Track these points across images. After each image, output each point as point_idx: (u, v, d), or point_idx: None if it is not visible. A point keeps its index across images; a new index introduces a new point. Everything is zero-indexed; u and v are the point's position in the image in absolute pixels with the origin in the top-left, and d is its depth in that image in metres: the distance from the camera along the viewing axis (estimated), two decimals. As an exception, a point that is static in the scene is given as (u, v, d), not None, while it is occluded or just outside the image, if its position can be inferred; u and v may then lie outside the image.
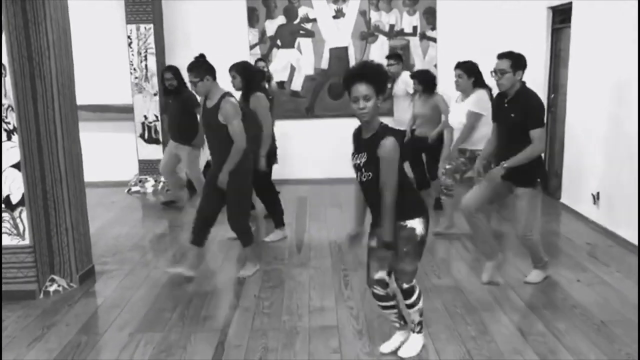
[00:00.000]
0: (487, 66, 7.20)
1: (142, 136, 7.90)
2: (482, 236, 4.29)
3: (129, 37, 7.66)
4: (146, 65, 7.71)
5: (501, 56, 4.08)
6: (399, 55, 7.05)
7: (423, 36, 8.05)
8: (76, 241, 4.47)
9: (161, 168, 6.71)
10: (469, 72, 5.23)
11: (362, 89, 2.87)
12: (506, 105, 4.09)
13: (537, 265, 4.38)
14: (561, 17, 6.74)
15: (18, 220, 4.16)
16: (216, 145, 4.50)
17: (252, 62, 6.83)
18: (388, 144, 2.90)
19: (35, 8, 4.13)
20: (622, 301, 3.99)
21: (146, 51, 7.69)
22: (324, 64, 8.15)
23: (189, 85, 4.74)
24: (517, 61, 3.99)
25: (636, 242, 4.95)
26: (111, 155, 8.02)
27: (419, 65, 7.83)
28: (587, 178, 5.93)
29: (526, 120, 3.95)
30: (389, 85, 6.78)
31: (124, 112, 7.90)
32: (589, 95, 5.91)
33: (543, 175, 4.28)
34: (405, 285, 3.16)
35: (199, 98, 5.09)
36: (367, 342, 3.48)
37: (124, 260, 5.12)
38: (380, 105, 2.94)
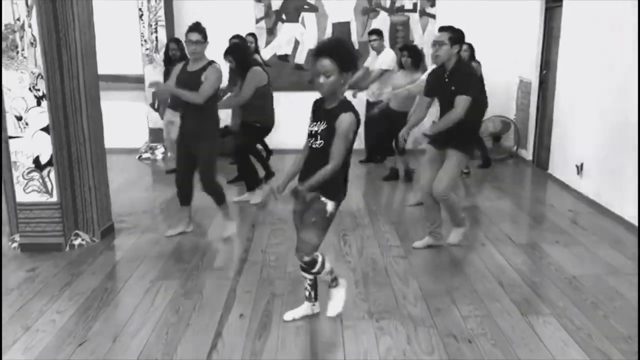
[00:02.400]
0: (483, 42, 7.56)
1: (152, 105, 8.25)
2: (450, 207, 4.53)
3: (140, 9, 7.97)
4: (156, 37, 8.03)
5: (441, 29, 4.33)
6: (380, 32, 7.41)
7: (423, 13, 8.36)
8: (98, 200, 4.87)
9: (165, 135, 7.10)
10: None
11: (324, 63, 2.97)
12: (446, 79, 4.30)
13: (456, 225, 4.66)
14: (554, -3, 7.05)
15: (47, 179, 4.55)
16: (191, 109, 4.63)
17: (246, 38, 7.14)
18: (347, 118, 3.00)
19: (61, -17, 4.47)
20: (594, 260, 4.41)
21: (156, 24, 8.00)
22: (327, 39, 8.45)
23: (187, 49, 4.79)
24: (457, 35, 4.23)
25: (614, 210, 5.37)
26: (123, 123, 8.36)
27: (417, 41, 8.15)
28: (572, 150, 6.31)
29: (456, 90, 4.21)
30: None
31: (135, 82, 8.24)
32: (576, 72, 6.26)
33: (475, 145, 4.50)
34: (305, 258, 3.25)
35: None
36: (362, 290, 3.90)
37: (139, 219, 5.53)
38: (344, 81, 3.03)
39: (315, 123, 3.15)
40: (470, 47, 6.95)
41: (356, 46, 8.39)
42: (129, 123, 8.43)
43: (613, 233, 5.01)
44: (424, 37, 8.28)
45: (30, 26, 4.30)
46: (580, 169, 6.06)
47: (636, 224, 4.95)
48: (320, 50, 3.04)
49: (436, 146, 4.47)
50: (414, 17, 8.38)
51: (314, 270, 3.33)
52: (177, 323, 3.47)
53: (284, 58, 8.48)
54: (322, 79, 3.00)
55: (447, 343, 3.21)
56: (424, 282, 4.02)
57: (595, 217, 5.47)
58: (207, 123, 4.70)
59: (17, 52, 4.35)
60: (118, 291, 3.97)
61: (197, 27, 4.61)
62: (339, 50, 3.04)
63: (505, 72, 7.98)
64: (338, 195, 3.23)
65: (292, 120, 6.42)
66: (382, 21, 8.33)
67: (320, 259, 3.31)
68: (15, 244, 4.72)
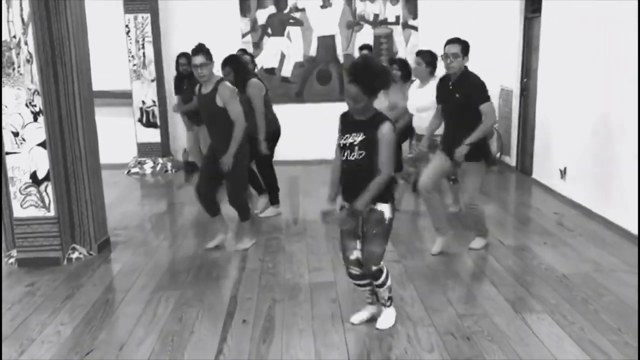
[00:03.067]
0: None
1: (140, 120, 8.31)
2: (436, 214, 4.70)
3: (127, 26, 8.06)
4: (144, 53, 8.11)
5: (452, 41, 4.39)
6: (369, 47, 7.60)
7: (405, 25, 8.56)
8: (94, 213, 4.92)
9: (189, 149, 7.32)
10: (426, 61, 5.42)
11: (351, 90, 3.05)
12: (451, 87, 4.46)
13: (481, 235, 4.83)
14: (533, 7, 7.28)
15: (44, 194, 4.59)
16: (215, 129, 4.72)
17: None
18: (388, 127, 3.08)
19: (56, 1, 4.53)
20: (581, 259, 4.56)
21: (143, 39, 8.09)
22: (313, 52, 8.62)
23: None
24: (465, 46, 4.38)
25: (598, 211, 5.55)
26: (111, 139, 8.38)
27: (401, 53, 8.34)
28: (555, 155, 6.50)
29: (471, 99, 4.34)
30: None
31: (123, 97, 8.29)
32: (557, 79, 6.47)
33: (486, 153, 4.59)
34: (373, 268, 3.29)
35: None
36: (361, 293, 3.99)
37: (134, 233, 5.59)
38: (372, 99, 3.10)
39: (347, 135, 3.15)
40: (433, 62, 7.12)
41: (340, 60, 8.57)
42: (117, 138, 8.45)
43: (598, 233, 5.18)
44: (407, 49, 8.47)
45: (26, 43, 4.37)
46: (563, 173, 6.25)
47: (620, 224, 5.13)
48: (348, 74, 3.10)
49: (446, 153, 4.57)
50: (397, 30, 8.57)
51: (380, 281, 3.37)
52: (181, 331, 3.54)
53: (271, 71, 8.61)
54: (351, 103, 3.09)
55: (446, 341, 3.32)
56: (420, 285, 4.13)
57: (580, 218, 5.64)
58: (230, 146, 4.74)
59: (14, 69, 4.41)
60: (120, 302, 4.02)
61: (200, 49, 4.53)
62: (365, 75, 3.03)
63: (487, 81, 8.11)
64: (392, 197, 3.32)
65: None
66: (366, 34, 8.51)
67: (385, 270, 3.38)
68: (12, 260, 4.75)
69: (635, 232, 4.86)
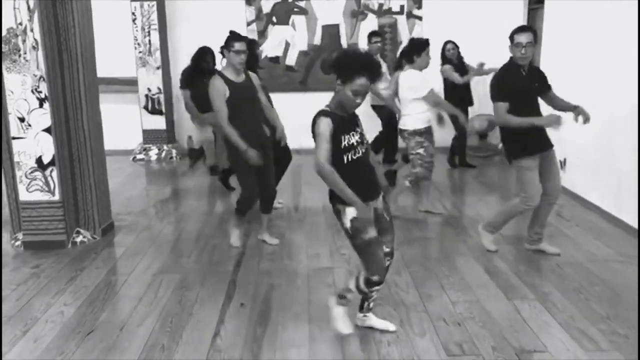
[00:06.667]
0: (468, 42, 7.77)
1: (145, 107, 8.40)
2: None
3: (133, 14, 8.12)
4: (149, 41, 8.18)
5: (526, 29, 4.14)
6: (378, 33, 7.54)
7: (410, 15, 8.57)
8: (98, 198, 5.02)
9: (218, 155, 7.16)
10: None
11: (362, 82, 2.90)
12: (525, 76, 4.19)
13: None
14: (537, -1, 7.30)
15: (49, 178, 4.69)
16: (255, 116, 4.56)
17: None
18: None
19: (62, -12, 4.62)
20: (577, 249, 4.62)
21: (149, 27, 8.16)
22: (317, 41, 8.66)
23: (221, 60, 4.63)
24: (535, 35, 4.18)
25: (595, 202, 5.59)
26: (116, 126, 8.47)
27: (406, 42, 8.35)
28: (556, 146, 6.48)
29: (546, 85, 4.29)
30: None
31: (129, 84, 8.38)
32: (559, 71, 6.48)
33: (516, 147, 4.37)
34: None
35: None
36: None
37: (138, 218, 5.69)
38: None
39: (348, 136, 2.94)
40: (457, 47, 7.18)
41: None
42: (122, 125, 8.55)
43: (594, 224, 5.24)
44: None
45: (32, 30, 4.45)
46: (563, 163, 6.28)
47: (617, 215, 5.18)
48: (357, 71, 2.89)
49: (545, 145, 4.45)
50: (401, 19, 8.59)
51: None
52: (180, 313, 3.63)
53: (275, 60, 8.66)
54: (360, 100, 2.93)
55: (437, 326, 3.40)
56: (415, 272, 4.21)
57: (578, 209, 5.69)
58: (268, 133, 4.81)
59: (20, 56, 4.49)
60: (122, 285, 4.12)
61: (243, 37, 4.49)
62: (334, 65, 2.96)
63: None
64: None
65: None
66: (370, 23, 8.54)
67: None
68: (18, 242, 4.86)
69: (632, 223, 4.91)
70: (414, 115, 5.26)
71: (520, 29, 4.17)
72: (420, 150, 5.27)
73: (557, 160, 4.45)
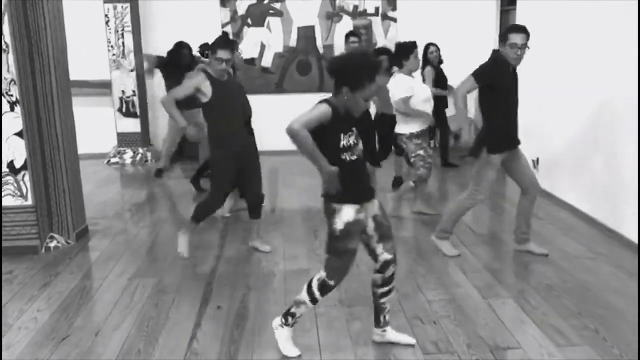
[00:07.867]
0: (442, 44, 7.84)
1: (120, 110, 8.32)
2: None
3: (106, 15, 8.04)
4: (123, 43, 8.11)
5: (522, 30, 4.08)
6: (355, 33, 7.67)
7: (384, 16, 8.64)
8: (72, 202, 4.96)
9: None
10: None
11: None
12: (512, 75, 4.22)
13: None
14: (508, 0, 7.40)
15: (21, 183, 4.63)
16: (238, 118, 4.48)
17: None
18: None
19: (32, -10, 4.56)
20: (550, 247, 4.68)
21: (123, 29, 8.09)
22: (292, 42, 8.68)
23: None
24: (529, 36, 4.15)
25: (568, 200, 5.70)
26: (90, 129, 8.37)
27: (380, 44, 8.42)
28: (529, 145, 6.61)
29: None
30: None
31: (102, 87, 8.29)
32: (532, 72, 6.59)
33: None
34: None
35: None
36: (334, 280, 4.10)
37: (112, 222, 5.63)
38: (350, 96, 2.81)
39: (346, 136, 2.87)
40: (438, 49, 7.24)
41: (320, 50, 8.62)
42: (96, 128, 8.45)
43: (567, 222, 5.34)
44: (386, 40, 8.55)
45: (2, 33, 4.38)
46: (536, 163, 6.39)
47: (588, 212, 5.29)
48: (367, 73, 2.83)
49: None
50: (376, 21, 8.65)
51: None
52: (157, 316, 3.61)
53: (251, 62, 8.65)
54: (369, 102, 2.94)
55: (413, 324, 3.44)
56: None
57: (551, 208, 5.79)
58: (253, 137, 4.84)
59: (-11, 59, 4.42)
60: (97, 289, 4.08)
61: (231, 43, 4.41)
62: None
63: (463, 73, 8.25)
64: None
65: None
66: (345, 25, 8.58)
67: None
68: (-11, 248, 4.78)
69: (602, 219, 5.02)
70: (409, 119, 5.35)
71: (515, 29, 4.11)
72: (421, 152, 5.39)
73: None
